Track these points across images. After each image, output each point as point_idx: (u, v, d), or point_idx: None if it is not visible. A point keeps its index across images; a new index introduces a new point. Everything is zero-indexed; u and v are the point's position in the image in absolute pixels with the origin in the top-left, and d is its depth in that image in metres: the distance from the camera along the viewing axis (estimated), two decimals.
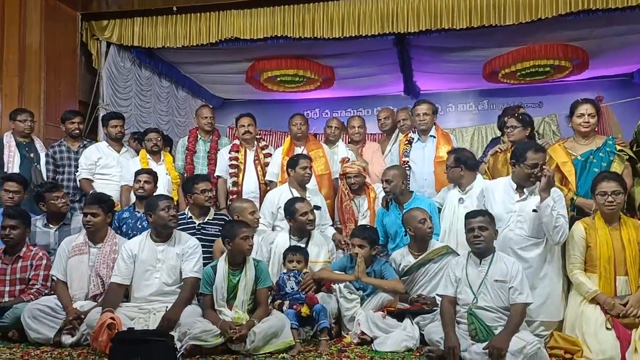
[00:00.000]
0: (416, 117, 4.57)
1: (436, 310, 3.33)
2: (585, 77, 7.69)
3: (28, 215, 3.97)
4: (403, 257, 3.78)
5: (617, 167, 3.67)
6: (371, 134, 6.77)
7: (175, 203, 4.75)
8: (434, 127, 4.60)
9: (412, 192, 4.22)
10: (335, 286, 3.64)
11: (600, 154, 3.74)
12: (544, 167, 3.28)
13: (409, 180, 4.48)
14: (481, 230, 3.13)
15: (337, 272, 3.73)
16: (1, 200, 4.29)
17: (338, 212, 4.57)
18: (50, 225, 4.14)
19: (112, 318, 3.17)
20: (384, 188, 4.17)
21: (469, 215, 3.23)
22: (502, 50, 6.81)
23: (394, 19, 5.71)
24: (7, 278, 3.73)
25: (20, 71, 5.72)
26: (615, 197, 3.25)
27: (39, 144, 5.05)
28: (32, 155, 4.90)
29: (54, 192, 4.12)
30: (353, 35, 5.85)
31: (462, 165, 3.82)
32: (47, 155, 4.92)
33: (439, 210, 4.04)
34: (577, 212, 3.65)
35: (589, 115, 3.75)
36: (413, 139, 4.63)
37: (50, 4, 5.84)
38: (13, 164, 4.75)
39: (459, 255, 3.53)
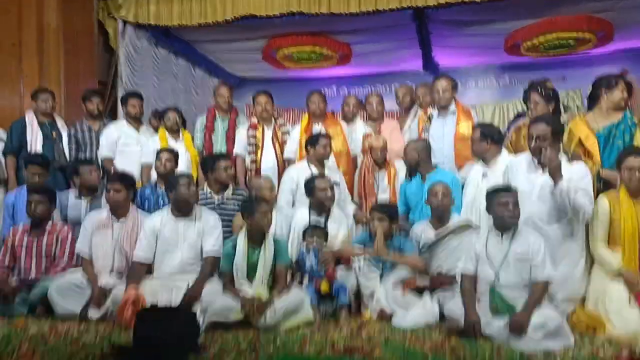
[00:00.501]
0: (435, 93, 4.51)
1: (456, 284, 3.32)
2: (609, 49, 7.48)
3: (53, 191, 4.05)
4: (424, 231, 3.78)
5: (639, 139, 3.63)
6: (389, 111, 6.66)
7: (195, 180, 4.82)
8: (453, 102, 4.53)
9: (435, 165, 4.18)
10: (355, 263, 3.64)
11: (622, 126, 3.70)
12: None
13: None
14: (516, 207, 3.10)
15: (356, 246, 3.73)
16: (26, 179, 4.37)
17: (358, 186, 4.56)
18: (83, 198, 4.24)
19: (136, 294, 3.23)
20: (404, 161, 4.19)
21: (501, 190, 3.18)
22: (524, 23, 6.62)
23: None
24: (34, 253, 3.82)
25: (39, 51, 5.75)
26: None
27: (60, 123, 5.10)
28: (54, 134, 4.94)
29: (88, 165, 4.27)
30: (370, 10, 5.74)
31: (488, 139, 3.76)
32: (68, 135, 4.97)
33: (462, 185, 4.01)
34: (603, 185, 3.59)
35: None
36: (432, 115, 4.57)
37: None
38: (35, 143, 4.80)
39: (479, 229, 3.50)
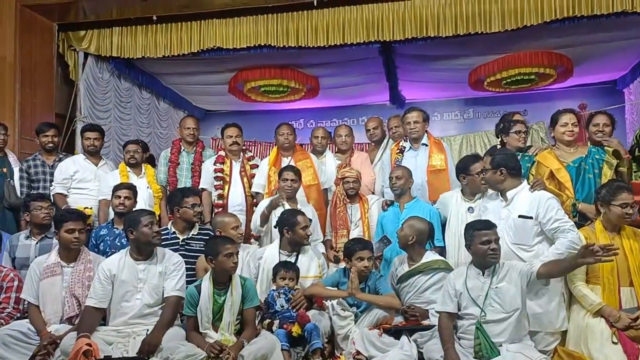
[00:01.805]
0: (407, 125, 4.45)
1: (435, 326, 3.17)
2: (569, 84, 7.69)
3: (0, 234, 3.74)
4: (401, 263, 3.66)
5: (607, 172, 3.65)
6: (358, 143, 6.64)
7: (158, 218, 4.58)
8: (425, 135, 4.49)
9: (414, 196, 4.10)
10: (328, 303, 3.46)
11: (590, 160, 3.72)
12: None
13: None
14: (496, 243, 3.00)
15: (329, 287, 3.56)
16: None
17: (331, 218, 4.43)
18: (33, 238, 3.96)
19: (88, 344, 2.95)
20: (392, 184, 4.08)
21: (481, 227, 3.06)
22: (488, 58, 6.79)
23: (379, 27, 5.65)
24: None
25: None
26: (633, 209, 3.18)
27: (12, 158, 4.83)
28: (4, 169, 4.66)
29: (39, 201, 3.99)
30: (338, 43, 5.77)
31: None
32: (21, 169, 4.71)
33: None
34: (579, 218, 3.54)
35: (572, 124, 3.77)
36: (405, 147, 4.51)
37: (25, 15, 5.67)
38: None
39: (452, 270, 3.40)
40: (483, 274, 3.04)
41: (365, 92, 8.14)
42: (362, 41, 5.74)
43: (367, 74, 7.35)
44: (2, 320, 3.41)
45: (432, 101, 8.52)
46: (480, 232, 3.02)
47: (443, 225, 3.97)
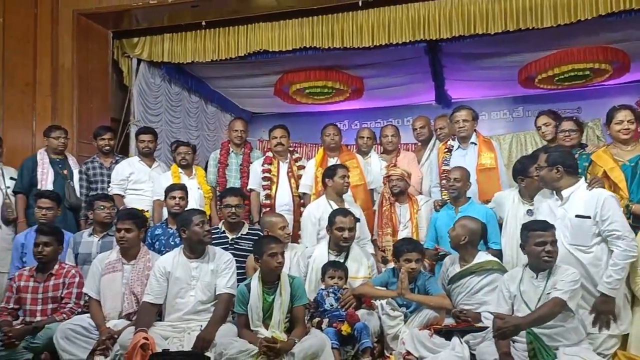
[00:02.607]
0: (455, 124, 4.38)
1: (488, 328, 3.11)
2: (625, 80, 7.38)
3: (61, 232, 3.93)
4: (452, 263, 3.62)
5: None
6: (404, 143, 6.60)
7: (208, 217, 4.69)
8: (474, 133, 4.41)
9: (469, 197, 4.02)
10: (377, 303, 3.46)
11: None
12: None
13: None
14: (552, 246, 2.92)
15: (378, 287, 3.55)
16: (35, 215, 4.28)
17: (378, 218, 4.40)
18: (95, 236, 4.15)
19: (145, 338, 3.06)
20: (450, 186, 4.00)
21: (536, 227, 2.98)
22: (539, 55, 6.59)
23: (425, 26, 5.57)
24: (40, 297, 3.67)
25: (53, 90, 5.77)
26: None
27: (72, 161, 5.04)
28: (65, 172, 4.87)
29: (102, 201, 4.19)
30: (383, 43, 5.72)
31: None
32: (80, 171, 4.90)
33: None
34: (633, 220, 3.40)
35: (628, 121, 3.60)
36: (452, 146, 4.44)
37: (82, 23, 5.88)
38: (46, 181, 4.72)
39: (506, 272, 3.33)
40: (537, 277, 2.97)
41: (410, 92, 8.07)
42: (407, 40, 5.66)
43: (413, 74, 7.28)
44: (64, 315, 3.58)
45: (480, 100, 8.34)
46: (535, 233, 2.95)
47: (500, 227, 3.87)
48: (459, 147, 4.41)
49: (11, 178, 4.75)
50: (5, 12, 5.73)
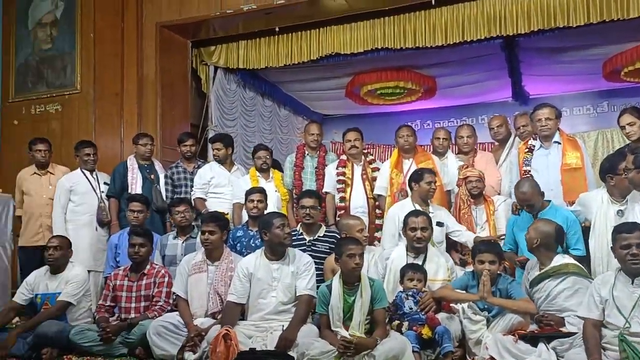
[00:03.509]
0: (537, 123, 4.20)
1: (575, 334, 2.99)
2: None
3: (152, 234, 4.17)
4: (532, 267, 3.51)
5: None
6: (480, 143, 6.42)
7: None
8: (558, 132, 4.23)
9: (549, 200, 3.86)
10: (458, 306, 3.40)
11: None
12: None
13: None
14: (638, 248, 2.78)
15: (458, 290, 3.50)
16: (128, 218, 4.57)
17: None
18: (179, 238, 4.38)
19: (226, 329, 3.19)
20: (523, 203, 3.86)
21: (622, 229, 2.87)
22: (625, 47, 6.24)
23: (501, 21, 5.41)
24: (133, 295, 3.91)
25: (138, 99, 6.13)
26: None
27: (158, 166, 5.32)
28: (152, 176, 5.14)
29: (177, 206, 4.42)
30: (457, 41, 5.62)
31: None
32: (165, 176, 5.16)
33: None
34: None
35: None
36: (534, 146, 4.26)
37: (164, 35, 6.19)
38: (136, 185, 5.01)
39: (587, 275, 3.21)
40: (632, 283, 2.82)
41: (485, 90, 7.86)
42: (483, 37, 5.53)
43: (488, 71, 7.10)
44: (156, 313, 3.80)
45: (560, 95, 8.01)
46: (620, 236, 2.83)
47: (585, 231, 3.71)
48: (540, 146, 4.23)
49: (105, 183, 5.09)
50: (95, 28, 6.16)
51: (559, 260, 3.40)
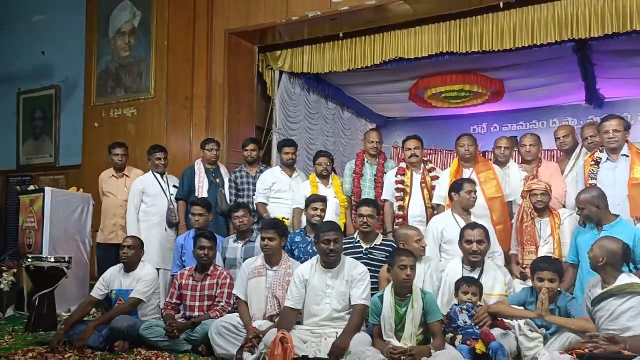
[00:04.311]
0: (605, 135, 4.03)
1: (638, 357, 2.88)
2: None
3: (216, 237, 4.37)
4: (594, 285, 3.40)
5: None
6: (547, 150, 6.22)
7: (344, 226, 4.89)
8: (626, 145, 4.04)
9: (617, 215, 3.74)
10: (515, 323, 3.35)
11: None
12: None
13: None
14: None
15: (515, 307, 3.44)
16: (191, 221, 4.81)
17: (517, 233, 4.25)
18: (239, 242, 4.56)
19: (283, 333, 3.30)
20: (578, 213, 3.81)
21: None
22: None
23: (573, 25, 5.21)
24: (198, 294, 4.13)
25: (207, 103, 6.40)
26: None
27: (224, 170, 5.55)
28: (218, 180, 5.37)
29: (235, 212, 4.61)
30: (526, 45, 5.46)
31: None
32: (230, 180, 5.36)
33: None
34: None
35: None
36: (601, 159, 4.10)
37: (232, 41, 6.42)
38: (203, 189, 5.25)
39: None
40: None
41: (556, 93, 7.58)
42: (554, 41, 5.35)
43: (559, 74, 6.85)
44: (217, 313, 4.00)
45: (637, 99, 7.58)
46: None
47: None
48: (607, 159, 4.07)
49: (174, 186, 5.38)
50: (169, 36, 6.47)
51: (625, 279, 3.28)
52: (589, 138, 4.55)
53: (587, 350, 3.10)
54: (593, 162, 4.11)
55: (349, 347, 3.29)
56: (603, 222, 3.69)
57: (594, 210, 3.68)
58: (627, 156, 3.98)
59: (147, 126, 6.46)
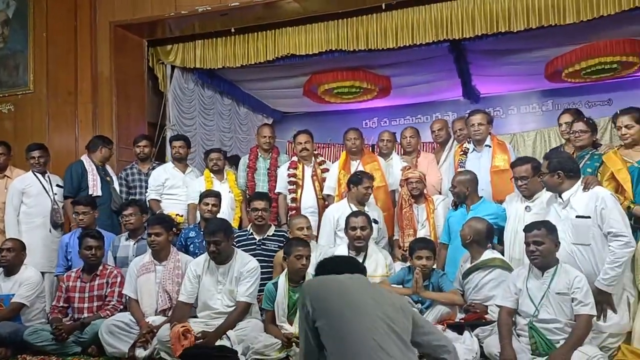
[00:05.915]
0: (471, 127, 4.51)
1: (495, 322, 3.28)
2: None
3: (103, 236, 4.26)
4: (465, 261, 3.80)
5: None
6: (428, 142, 6.70)
7: (239, 219, 4.97)
8: (489, 136, 4.53)
9: (481, 197, 4.17)
10: None
11: None
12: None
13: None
14: (536, 245, 3.07)
15: (394, 285, 3.75)
16: (75, 219, 4.62)
17: (397, 219, 4.60)
18: (131, 240, 4.47)
19: (183, 326, 3.35)
20: (450, 189, 4.20)
21: (525, 229, 3.18)
22: (564, 50, 6.56)
23: (448, 26, 5.62)
24: (86, 295, 4.03)
25: (93, 98, 6.11)
26: None
27: (109, 168, 5.35)
28: (108, 178, 5.20)
29: (124, 209, 4.51)
30: (407, 44, 5.82)
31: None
32: (119, 177, 5.23)
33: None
34: (634, 221, 3.47)
35: (625, 127, 3.65)
36: (468, 149, 4.58)
37: (118, 34, 6.18)
38: (97, 187, 5.01)
39: (511, 269, 3.50)
40: (542, 275, 3.11)
41: (438, 89, 8.12)
42: (431, 41, 5.75)
43: (439, 72, 7.34)
44: (108, 312, 3.93)
45: (509, 94, 8.36)
46: (525, 234, 3.15)
47: None
48: (474, 149, 4.54)
49: (57, 185, 5.10)
50: (48, 27, 6.12)
51: (488, 254, 3.71)
52: (458, 131, 5.03)
53: (456, 320, 3.49)
54: (462, 152, 4.56)
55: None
56: (470, 202, 4.11)
57: (464, 190, 4.09)
58: (490, 146, 4.47)
59: (26, 123, 6.08)
